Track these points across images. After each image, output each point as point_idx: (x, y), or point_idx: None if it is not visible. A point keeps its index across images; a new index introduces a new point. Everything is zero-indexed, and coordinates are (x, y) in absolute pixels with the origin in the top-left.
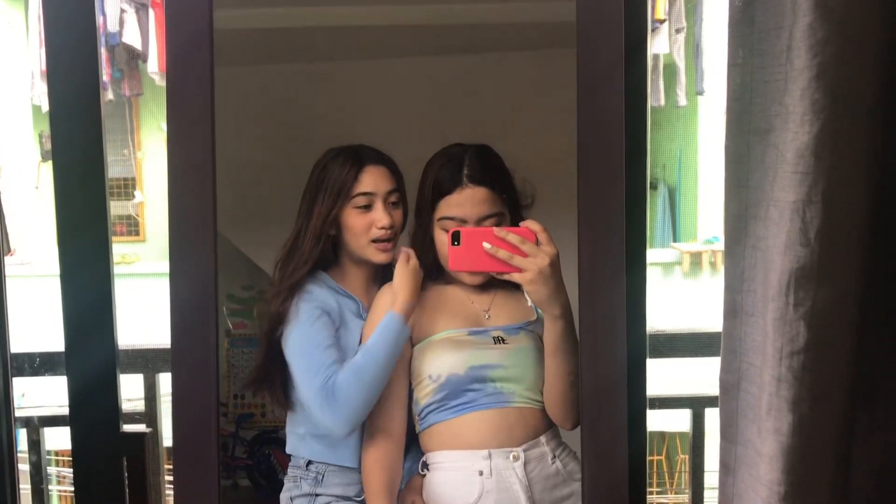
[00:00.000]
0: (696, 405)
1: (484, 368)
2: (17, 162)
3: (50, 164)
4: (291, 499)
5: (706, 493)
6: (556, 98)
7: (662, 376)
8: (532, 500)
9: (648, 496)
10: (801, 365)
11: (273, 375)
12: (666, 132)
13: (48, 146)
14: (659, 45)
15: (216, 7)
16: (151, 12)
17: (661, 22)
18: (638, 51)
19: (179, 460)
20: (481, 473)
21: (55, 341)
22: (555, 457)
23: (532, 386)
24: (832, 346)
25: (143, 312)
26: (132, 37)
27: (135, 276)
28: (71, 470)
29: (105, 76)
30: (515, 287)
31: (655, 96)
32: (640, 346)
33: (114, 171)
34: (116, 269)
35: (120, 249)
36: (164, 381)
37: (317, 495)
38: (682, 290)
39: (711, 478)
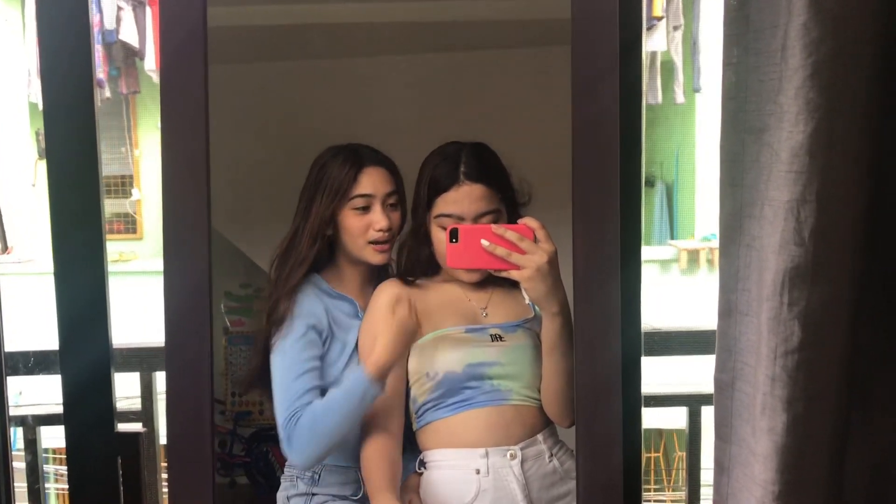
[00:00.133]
0: (693, 403)
1: (481, 366)
2: (15, 160)
3: None
4: (288, 498)
5: (703, 491)
6: (552, 95)
7: (659, 374)
8: (529, 498)
9: (646, 493)
10: (795, 364)
11: (267, 379)
12: (663, 129)
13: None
14: (657, 42)
15: (210, 4)
16: (148, 10)
17: (659, 19)
18: (633, 48)
19: (174, 458)
20: (478, 472)
21: (53, 339)
22: (552, 455)
23: (529, 384)
24: (826, 346)
25: (141, 310)
26: (129, 34)
27: (132, 274)
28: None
29: (102, 74)
30: (513, 285)
31: (653, 94)
32: (635, 344)
33: (111, 168)
34: (114, 267)
35: (117, 247)
36: (161, 379)
37: (313, 494)
38: (679, 287)
39: (708, 475)
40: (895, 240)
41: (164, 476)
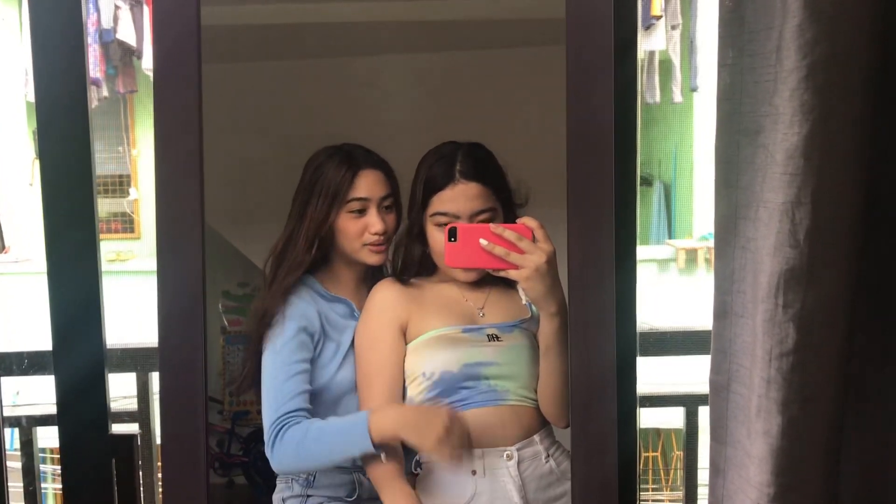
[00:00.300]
0: (690, 403)
1: (478, 366)
2: (12, 159)
3: None
4: (283, 500)
5: (700, 491)
6: (548, 94)
7: (656, 374)
8: (525, 499)
9: (644, 493)
10: (790, 366)
11: (259, 382)
12: (661, 129)
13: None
14: (655, 41)
15: (204, 3)
16: (146, 9)
17: (658, 18)
18: (628, 48)
19: (168, 458)
20: (474, 473)
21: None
22: (548, 455)
23: (526, 384)
24: (821, 348)
25: (138, 310)
26: (126, 33)
27: (130, 274)
28: None
29: (99, 73)
30: (510, 285)
31: (651, 93)
32: (630, 344)
33: (109, 167)
34: (111, 267)
35: (115, 246)
36: (157, 379)
37: (308, 496)
38: (677, 286)
39: (706, 475)
40: (890, 242)
41: (160, 476)
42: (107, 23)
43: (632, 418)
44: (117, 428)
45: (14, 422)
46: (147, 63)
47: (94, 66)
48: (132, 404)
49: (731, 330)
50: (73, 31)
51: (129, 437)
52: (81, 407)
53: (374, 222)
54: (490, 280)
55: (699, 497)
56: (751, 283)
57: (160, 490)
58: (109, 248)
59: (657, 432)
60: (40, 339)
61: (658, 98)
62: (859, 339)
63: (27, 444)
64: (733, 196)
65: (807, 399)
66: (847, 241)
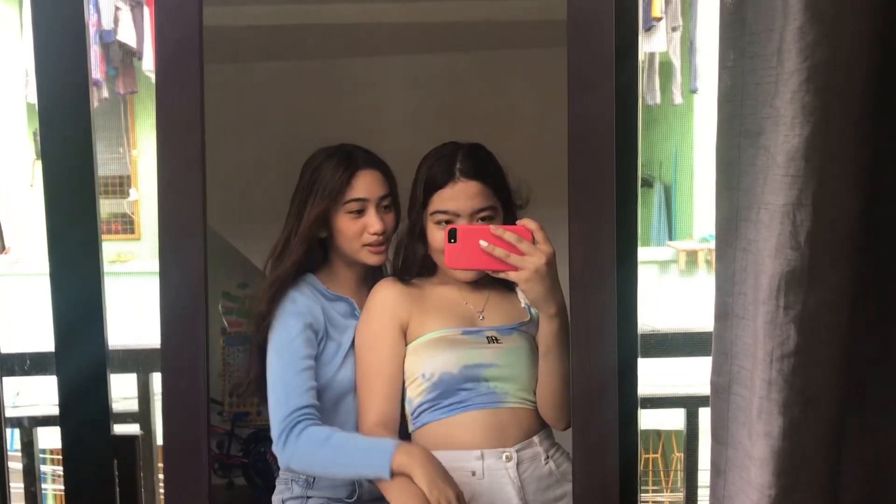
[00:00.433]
0: (691, 404)
1: (477, 367)
2: (12, 160)
3: None
4: (283, 501)
5: (700, 492)
6: (548, 96)
7: (657, 375)
8: (525, 500)
9: (644, 494)
10: (791, 368)
11: (265, 387)
12: (662, 130)
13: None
14: (656, 43)
15: (206, 4)
16: (146, 10)
17: (658, 20)
18: (629, 49)
19: (170, 459)
20: (474, 474)
21: (50, 340)
22: (548, 457)
23: (525, 386)
24: (822, 350)
25: (139, 311)
26: (127, 34)
27: (130, 275)
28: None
29: (100, 74)
30: (510, 288)
31: (651, 94)
32: (631, 346)
33: (109, 168)
34: (112, 268)
35: (115, 248)
36: (158, 380)
37: (308, 497)
38: (678, 288)
39: (706, 477)
40: (891, 244)
41: (162, 477)
42: (107, 24)
43: (632, 419)
44: (119, 429)
45: (15, 422)
46: (147, 64)
47: (95, 68)
48: (134, 405)
49: (732, 331)
50: (76, 32)
51: (131, 438)
52: (83, 408)
53: (372, 222)
54: (490, 282)
55: (700, 498)
56: (752, 285)
57: (161, 491)
58: (110, 249)
59: (658, 434)
60: (41, 339)
61: (659, 100)
62: (860, 341)
63: (28, 445)
64: (734, 198)
65: (808, 401)
66: (848, 243)
